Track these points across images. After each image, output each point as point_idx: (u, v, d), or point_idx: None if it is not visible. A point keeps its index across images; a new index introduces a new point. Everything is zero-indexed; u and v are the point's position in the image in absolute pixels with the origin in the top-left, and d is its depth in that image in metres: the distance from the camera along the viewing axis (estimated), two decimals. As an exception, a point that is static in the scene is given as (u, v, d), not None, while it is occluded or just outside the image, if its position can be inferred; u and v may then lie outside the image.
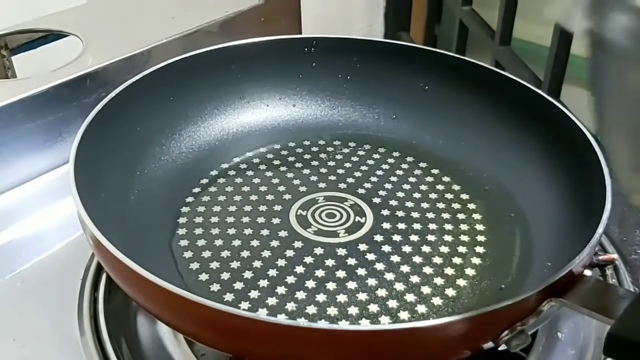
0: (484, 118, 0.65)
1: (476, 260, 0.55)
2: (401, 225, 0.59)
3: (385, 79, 0.70)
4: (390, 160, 0.67)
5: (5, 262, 0.61)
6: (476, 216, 0.60)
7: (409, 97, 0.70)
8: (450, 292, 0.52)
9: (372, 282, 0.53)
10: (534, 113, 0.62)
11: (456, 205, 0.61)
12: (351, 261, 0.54)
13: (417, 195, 0.62)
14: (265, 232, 0.57)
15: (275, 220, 0.59)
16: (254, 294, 0.51)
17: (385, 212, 0.60)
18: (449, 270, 0.54)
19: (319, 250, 0.55)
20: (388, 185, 0.63)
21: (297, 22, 0.96)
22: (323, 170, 0.65)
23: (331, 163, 0.66)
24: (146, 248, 0.53)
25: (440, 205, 0.61)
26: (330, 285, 0.52)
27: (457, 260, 0.55)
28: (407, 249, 0.56)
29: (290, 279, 0.53)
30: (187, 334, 0.50)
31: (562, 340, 0.54)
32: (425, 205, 0.61)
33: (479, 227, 0.59)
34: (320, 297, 0.51)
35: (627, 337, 0.39)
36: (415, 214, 0.60)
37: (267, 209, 0.60)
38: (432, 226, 0.59)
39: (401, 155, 0.67)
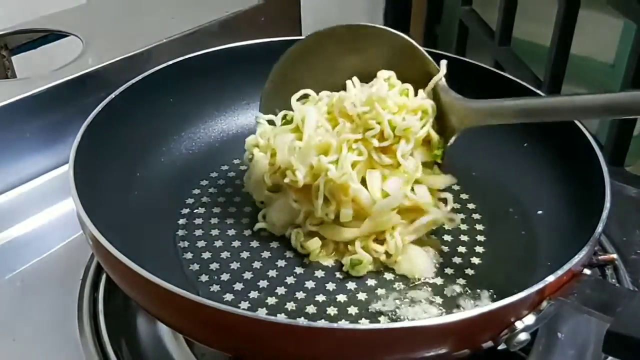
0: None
1: (475, 260, 0.55)
2: (401, 225, 0.58)
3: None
4: (390, 160, 0.67)
5: (5, 261, 0.61)
6: (476, 216, 0.60)
7: (409, 97, 0.70)
8: (449, 291, 0.52)
9: (371, 282, 0.53)
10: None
11: (456, 205, 0.61)
12: (351, 261, 0.55)
13: (416, 195, 0.62)
14: (264, 233, 0.57)
15: (275, 221, 0.59)
16: (253, 294, 0.51)
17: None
18: (449, 270, 0.54)
19: (318, 251, 0.56)
20: (388, 185, 0.63)
21: (297, 22, 0.96)
22: (323, 170, 0.65)
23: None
24: (145, 249, 0.53)
25: (440, 205, 0.61)
26: (330, 286, 0.52)
27: (456, 259, 0.55)
28: (406, 248, 0.56)
29: (290, 279, 0.53)
30: (187, 334, 0.50)
31: (562, 340, 0.54)
32: (425, 205, 0.61)
33: (479, 226, 0.59)
34: (320, 297, 0.51)
35: (626, 334, 0.39)
36: (415, 214, 0.60)
37: (267, 209, 0.60)
38: (432, 226, 0.59)
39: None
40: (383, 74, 0.56)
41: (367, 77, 0.57)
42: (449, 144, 0.54)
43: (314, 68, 0.59)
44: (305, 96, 0.59)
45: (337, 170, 0.52)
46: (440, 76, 0.55)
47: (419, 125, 0.53)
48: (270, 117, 0.60)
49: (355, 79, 0.57)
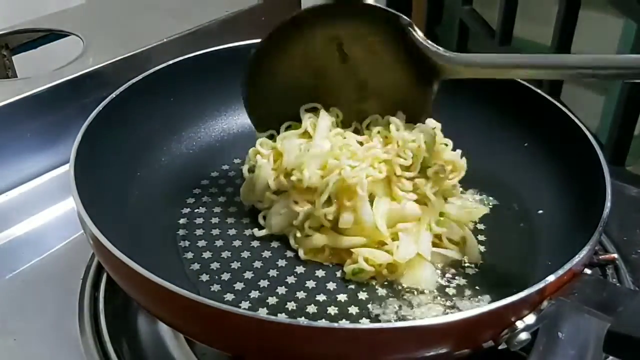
0: (484, 118, 0.65)
1: (476, 260, 0.55)
2: (401, 225, 0.58)
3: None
4: (391, 160, 0.67)
5: (6, 261, 0.61)
6: (476, 216, 0.60)
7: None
8: (450, 290, 0.52)
9: (372, 281, 0.53)
10: (534, 113, 0.62)
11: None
12: (351, 261, 0.55)
13: (417, 194, 0.62)
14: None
15: (276, 220, 0.58)
16: (254, 294, 0.51)
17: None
18: (450, 270, 0.54)
19: (319, 250, 0.56)
20: (388, 185, 0.63)
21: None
22: (323, 169, 0.65)
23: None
24: (146, 248, 0.53)
25: (441, 204, 0.61)
26: (331, 285, 0.52)
27: (457, 259, 0.55)
28: (407, 248, 0.56)
29: (291, 279, 0.53)
30: (187, 334, 0.50)
31: (562, 340, 0.54)
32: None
33: (479, 226, 0.59)
34: (321, 297, 0.51)
35: (627, 334, 0.39)
36: (415, 214, 0.60)
37: (268, 208, 0.60)
38: (433, 226, 0.59)
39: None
40: (432, 122, 0.57)
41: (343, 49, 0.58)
42: (433, 92, 0.56)
43: (290, 58, 0.58)
44: (314, 109, 0.59)
45: (352, 171, 0.52)
46: (418, 36, 0.55)
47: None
48: (270, 132, 0.60)
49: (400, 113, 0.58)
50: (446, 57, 0.54)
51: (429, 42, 0.55)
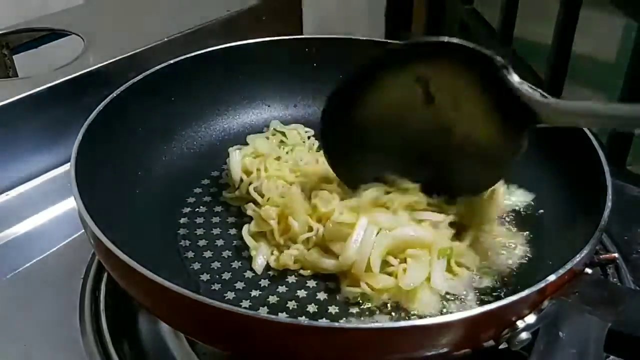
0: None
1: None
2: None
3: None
4: (391, 160, 0.67)
5: (7, 261, 0.61)
6: (477, 215, 0.60)
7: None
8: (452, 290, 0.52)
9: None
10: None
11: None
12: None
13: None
14: (266, 231, 0.57)
15: (276, 220, 0.58)
16: (254, 293, 0.51)
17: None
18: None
19: (319, 250, 0.55)
20: (389, 185, 0.63)
21: (298, 22, 0.96)
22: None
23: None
24: (147, 247, 0.52)
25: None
26: (331, 284, 0.52)
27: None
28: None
29: (291, 278, 0.53)
30: (188, 333, 0.50)
31: (563, 339, 0.53)
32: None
33: (480, 226, 0.59)
34: (322, 296, 0.51)
35: (628, 333, 0.39)
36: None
37: (268, 208, 0.60)
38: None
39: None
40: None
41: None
42: (523, 142, 0.51)
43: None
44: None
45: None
46: (514, 79, 0.49)
47: None
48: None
49: None
50: (544, 104, 0.48)
51: (526, 85, 0.49)
